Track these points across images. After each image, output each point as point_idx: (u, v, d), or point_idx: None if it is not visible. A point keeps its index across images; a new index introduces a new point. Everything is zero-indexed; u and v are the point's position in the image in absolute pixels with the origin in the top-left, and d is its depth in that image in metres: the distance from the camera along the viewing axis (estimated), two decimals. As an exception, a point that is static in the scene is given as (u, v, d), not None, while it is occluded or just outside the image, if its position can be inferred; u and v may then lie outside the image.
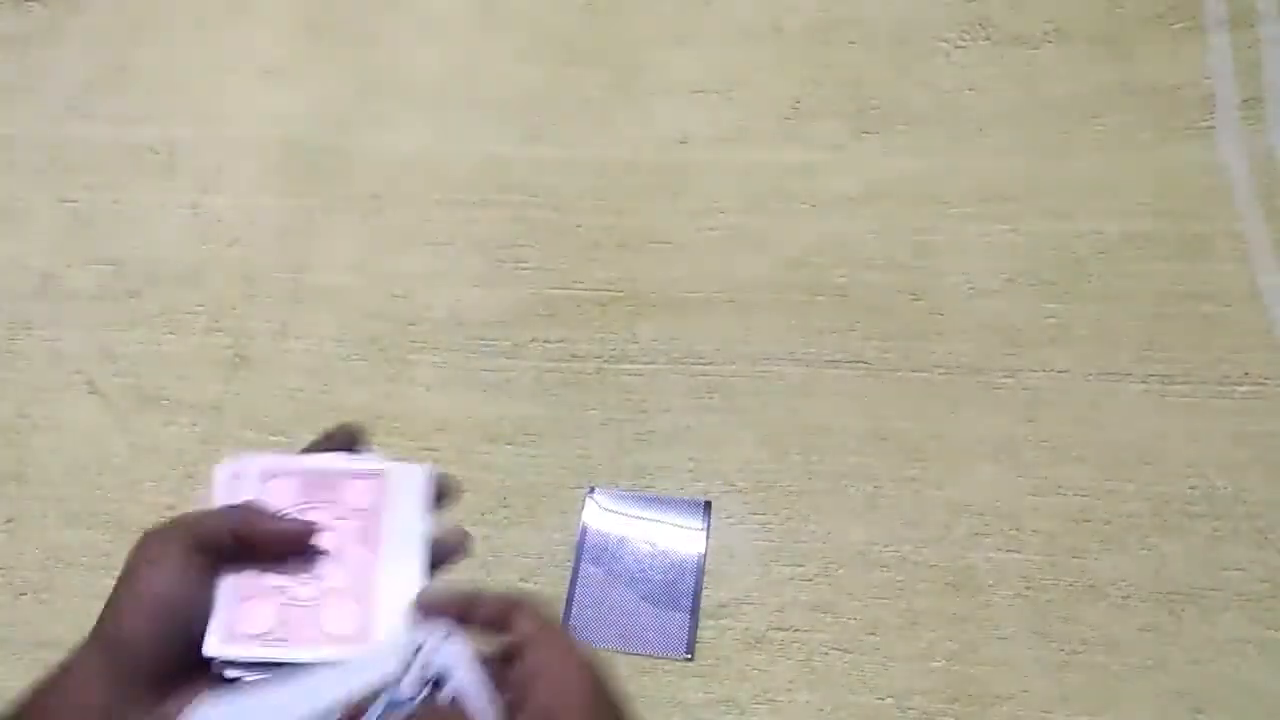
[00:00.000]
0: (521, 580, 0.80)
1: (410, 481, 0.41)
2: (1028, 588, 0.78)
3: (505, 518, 0.83)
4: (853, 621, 0.78)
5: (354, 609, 0.38)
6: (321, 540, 0.39)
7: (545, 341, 0.90)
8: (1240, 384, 0.84)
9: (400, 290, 0.93)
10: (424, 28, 1.06)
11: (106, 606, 0.36)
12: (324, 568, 0.39)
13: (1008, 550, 0.80)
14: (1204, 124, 0.94)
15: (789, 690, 0.76)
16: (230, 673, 0.36)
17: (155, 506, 0.84)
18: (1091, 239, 0.91)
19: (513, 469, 0.85)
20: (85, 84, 1.06)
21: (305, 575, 0.38)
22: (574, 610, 0.79)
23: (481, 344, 0.90)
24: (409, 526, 0.40)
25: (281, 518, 0.39)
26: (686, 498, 0.83)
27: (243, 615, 0.37)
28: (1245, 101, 0.95)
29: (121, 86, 1.05)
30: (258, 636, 0.37)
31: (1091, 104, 0.96)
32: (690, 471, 0.84)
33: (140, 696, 0.34)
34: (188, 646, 0.36)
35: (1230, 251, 0.89)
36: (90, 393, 0.91)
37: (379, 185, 0.98)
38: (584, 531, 0.82)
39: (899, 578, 0.79)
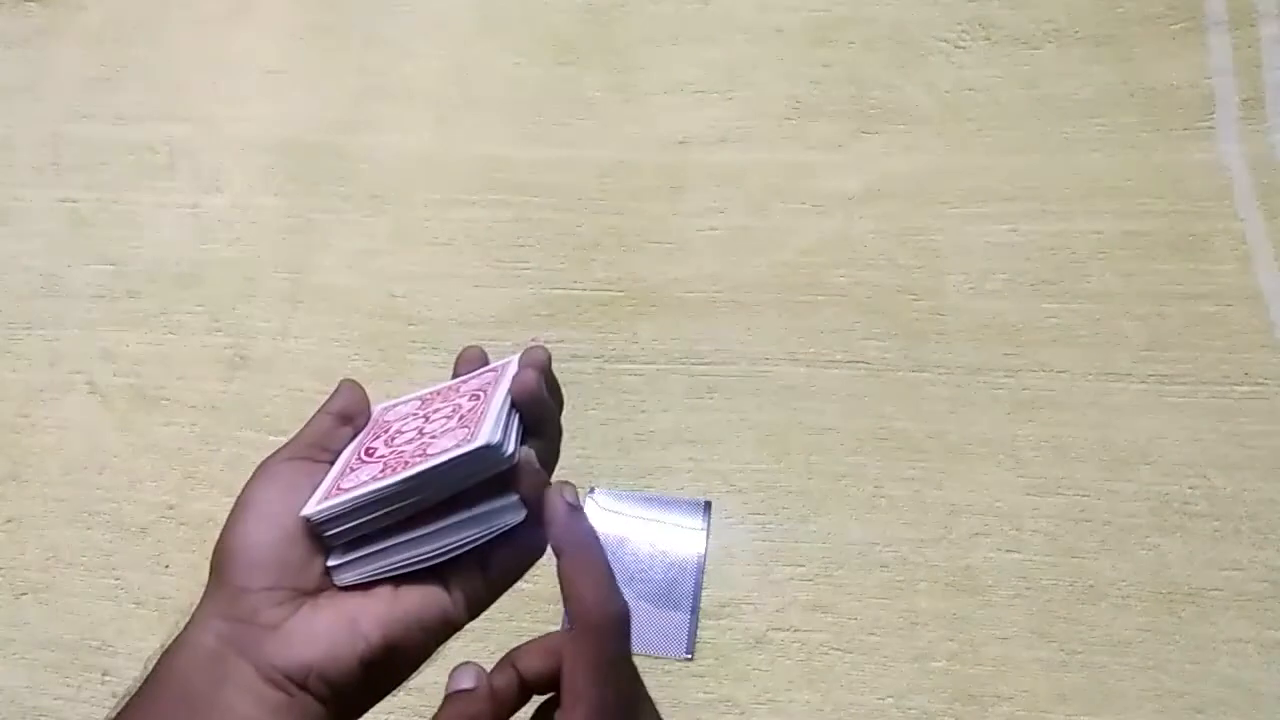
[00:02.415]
0: (521, 580, 0.80)
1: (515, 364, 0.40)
2: (1028, 588, 0.78)
3: (505, 518, 0.83)
4: (853, 621, 0.78)
5: (457, 430, 0.35)
6: (436, 415, 0.37)
7: (545, 341, 0.90)
8: (1240, 384, 0.84)
9: (400, 290, 0.93)
10: (424, 28, 1.06)
11: (219, 538, 0.34)
12: (435, 424, 0.37)
13: (1008, 550, 0.80)
14: (1204, 124, 0.94)
15: (789, 690, 0.76)
16: (329, 536, 0.34)
17: (155, 506, 0.84)
18: (1091, 239, 0.91)
19: (513, 469, 0.85)
20: (85, 84, 1.06)
21: (416, 437, 0.36)
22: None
23: (481, 344, 0.90)
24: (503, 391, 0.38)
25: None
26: (686, 498, 0.83)
27: (346, 480, 0.35)
28: (1245, 101, 0.95)
29: (121, 86, 1.05)
30: (362, 479, 0.34)
31: (1091, 104, 0.96)
32: (690, 471, 0.84)
33: (255, 614, 0.33)
34: (305, 562, 0.34)
35: (1230, 251, 0.89)
36: (90, 393, 0.91)
37: (379, 185, 0.98)
38: (584, 531, 0.81)
39: (899, 578, 0.79)
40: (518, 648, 0.35)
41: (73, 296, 0.95)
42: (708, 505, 0.83)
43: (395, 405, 0.40)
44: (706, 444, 0.85)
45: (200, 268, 0.96)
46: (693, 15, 1.05)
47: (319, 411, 0.39)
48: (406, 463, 0.34)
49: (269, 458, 0.37)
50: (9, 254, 0.98)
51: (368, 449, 0.37)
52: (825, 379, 0.87)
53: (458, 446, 0.33)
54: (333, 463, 0.37)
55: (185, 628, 0.34)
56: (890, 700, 0.75)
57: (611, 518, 0.82)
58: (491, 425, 0.34)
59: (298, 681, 0.33)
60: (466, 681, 0.33)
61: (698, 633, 0.78)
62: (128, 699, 0.33)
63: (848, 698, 0.75)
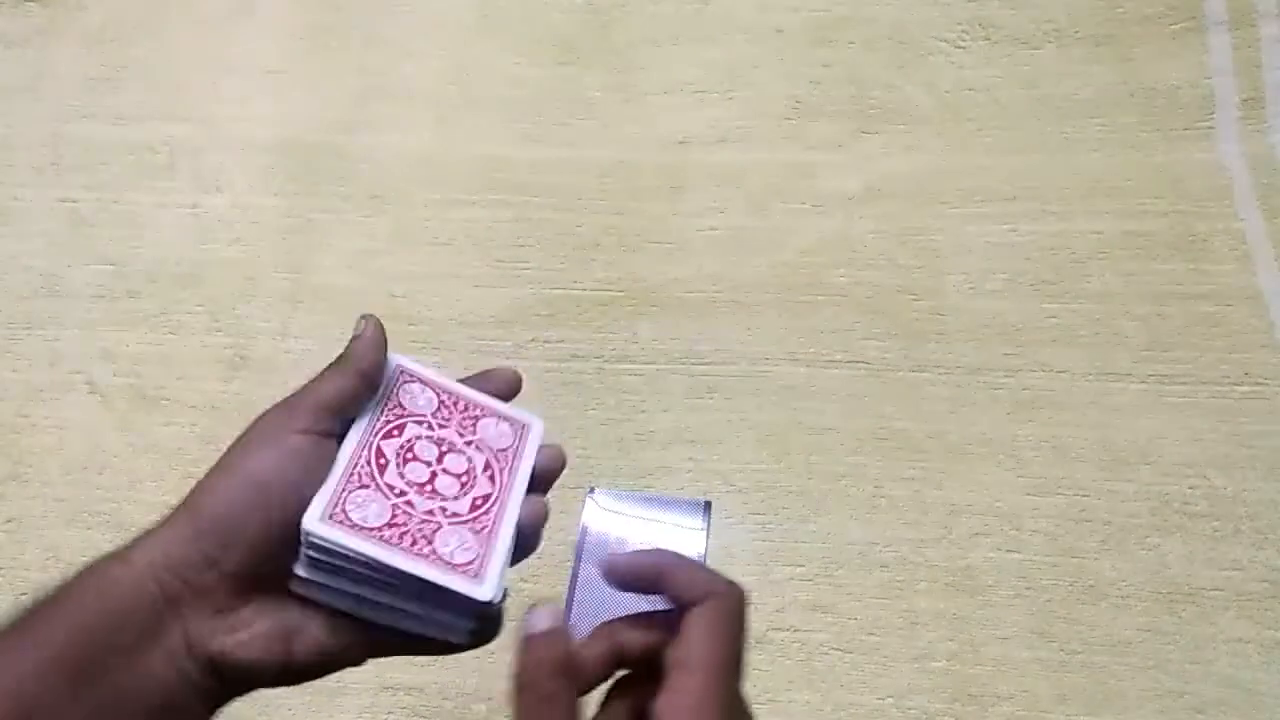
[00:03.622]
0: (522, 580, 0.80)
1: (538, 442, 0.41)
2: (1028, 588, 0.78)
3: (505, 518, 0.83)
4: (853, 621, 0.78)
5: (472, 542, 0.35)
6: (450, 459, 0.37)
7: (545, 341, 0.90)
8: (1240, 384, 0.84)
9: (400, 290, 0.93)
10: (424, 28, 1.06)
11: (196, 486, 0.34)
12: (446, 487, 0.37)
13: (1008, 550, 0.80)
14: (1204, 124, 0.94)
15: (789, 690, 0.76)
16: (313, 556, 0.33)
17: (155, 506, 0.83)
18: (1091, 239, 0.91)
19: (513, 469, 0.85)
20: (85, 84, 1.06)
21: (425, 486, 0.36)
22: (574, 610, 0.79)
23: (481, 344, 0.90)
24: (524, 482, 0.39)
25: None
26: (686, 498, 0.83)
27: (353, 500, 0.34)
28: (1245, 101, 0.95)
29: (121, 86, 1.05)
30: (365, 529, 0.34)
31: (1091, 104, 0.96)
32: (690, 471, 0.84)
33: (211, 590, 0.32)
34: (284, 540, 0.33)
35: (1230, 251, 0.89)
36: (90, 393, 0.91)
37: (379, 185, 0.98)
38: (584, 532, 0.81)
39: (899, 578, 0.79)
40: (611, 622, 0.35)
41: (73, 296, 0.95)
42: (708, 505, 0.82)
43: (412, 379, 0.40)
44: (706, 444, 0.85)
45: (200, 268, 0.96)
46: (693, 15, 1.05)
47: (341, 364, 0.37)
48: (414, 541, 0.34)
49: (278, 414, 0.35)
50: (9, 254, 0.98)
51: (379, 456, 0.36)
52: (825, 379, 0.87)
53: (460, 579, 0.34)
54: (341, 436, 0.36)
55: (128, 555, 0.33)
56: (890, 700, 0.75)
57: (611, 518, 0.82)
58: (497, 577, 0.35)
59: (218, 669, 0.32)
60: (544, 622, 0.32)
61: (698, 633, 0.78)
62: (38, 603, 0.32)
63: (848, 698, 0.75)
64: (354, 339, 0.39)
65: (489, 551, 0.35)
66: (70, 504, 0.86)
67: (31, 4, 1.11)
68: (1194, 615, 0.76)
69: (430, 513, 0.35)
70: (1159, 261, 0.89)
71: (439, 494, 0.36)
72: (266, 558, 0.33)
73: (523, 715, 0.30)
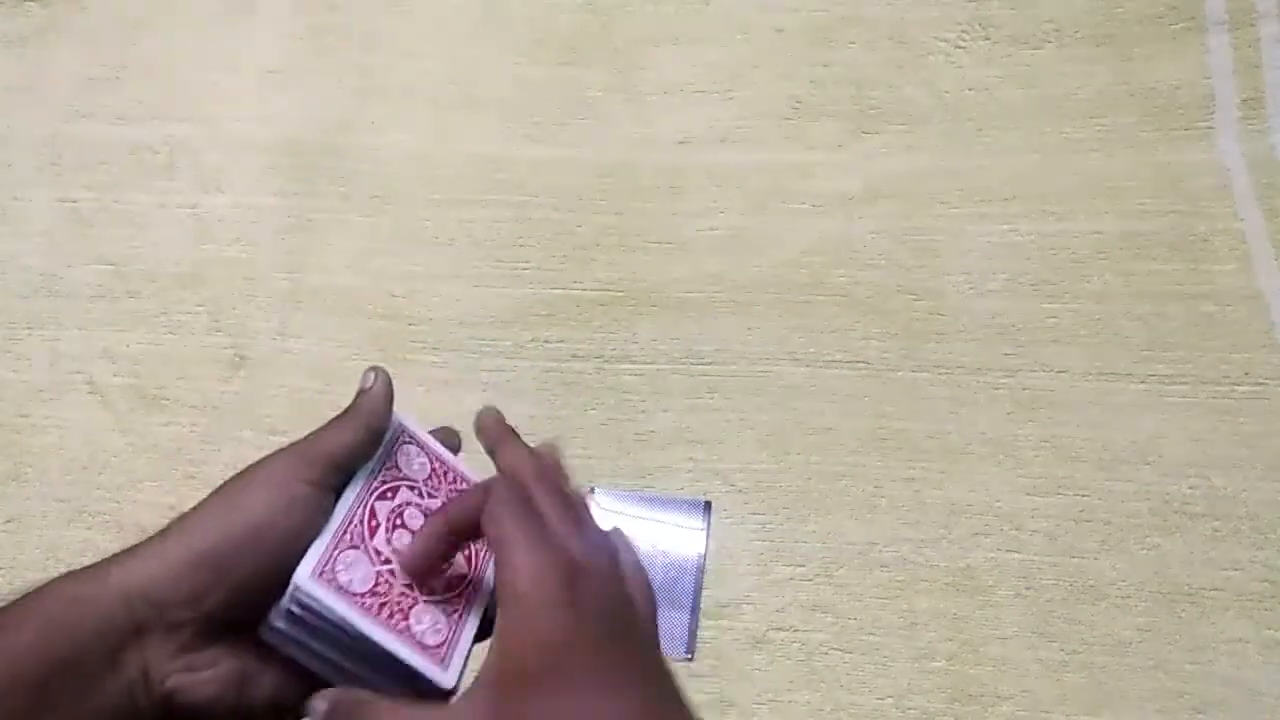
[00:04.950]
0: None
1: None
2: (1028, 588, 0.78)
3: (505, 518, 0.82)
4: (853, 621, 0.78)
5: (443, 624, 0.36)
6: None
7: (545, 341, 0.90)
8: (1240, 384, 0.84)
9: (400, 290, 0.93)
10: (424, 28, 1.06)
11: (192, 514, 0.33)
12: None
13: (1008, 550, 0.80)
14: (1204, 124, 0.94)
15: (789, 690, 0.76)
16: (294, 611, 0.33)
17: (155, 506, 0.84)
18: (1091, 239, 0.91)
19: (513, 469, 0.85)
20: (85, 84, 1.06)
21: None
22: (574, 610, 0.79)
23: (481, 344, 0.90)
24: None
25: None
26: (686, 498, 0.83)
27: (342, 560, 0.34)
28: (1245, 101, 0.95)
29: (121, 86, 1.05)
30: (350, 594, 0.34)
31: (1091, 104, 0.96)
32: (690, 471, 0.84)
33: (183, 626, 0.32)
34: (268, 589, 0.33)
35: (1230, 251, 0.89)
36: (90, 393, 0.91)
37: (379, 185, 0.98)
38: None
39: (899, 578, 0.79)
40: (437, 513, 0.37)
41: (73, 296, 0.95)
42: (708, 505, 0.83)
43: (410, 440, 0.41)
44: (706, 444, 0.85)
45: (200, 268, 0.96)
46: (693, 15, 1.05)
47: (350, 417, 0.37)
48: (391, 614, 0.34)
49: (289, 460, 0.35)
50: (9, 254, 0.98)
51: (372, 516, 0.37)
52: (825, 379, 0.87)
53: (428, 662, 0.34)
54: (340, 489, 0.37)
55: (106, 574, 0.32)
56: (890, 700, 0.75)
57: (611, 517, 0.82)
58: (460, 665, 0.35)
59: (169, 705, 0.32)
60: (322, 705, 0.32)
61: (698, 633, 0.78)
62: (5, 610, 0.31)
63: (848, 698, 0.75)
64: (362, 392, 0.39)
65: (456, 637, 0.36)
66: (70, 504, 0.86)
67: (31, 4, 1.11)
68: (1194, 615, 0.76)
69: (409, 586, 0.36)
70: (1159, 261, 0.89)
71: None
72: (247, 603, 0.33)
73: None
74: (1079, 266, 0.90)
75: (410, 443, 0.40)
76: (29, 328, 0.94)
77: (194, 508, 0.34)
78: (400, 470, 0.39)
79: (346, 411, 0.38)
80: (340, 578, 0.34)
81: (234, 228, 0.97)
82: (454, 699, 0.33)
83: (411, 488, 0.39)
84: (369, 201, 0.98)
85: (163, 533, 0.34)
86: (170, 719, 0.33)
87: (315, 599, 0.33)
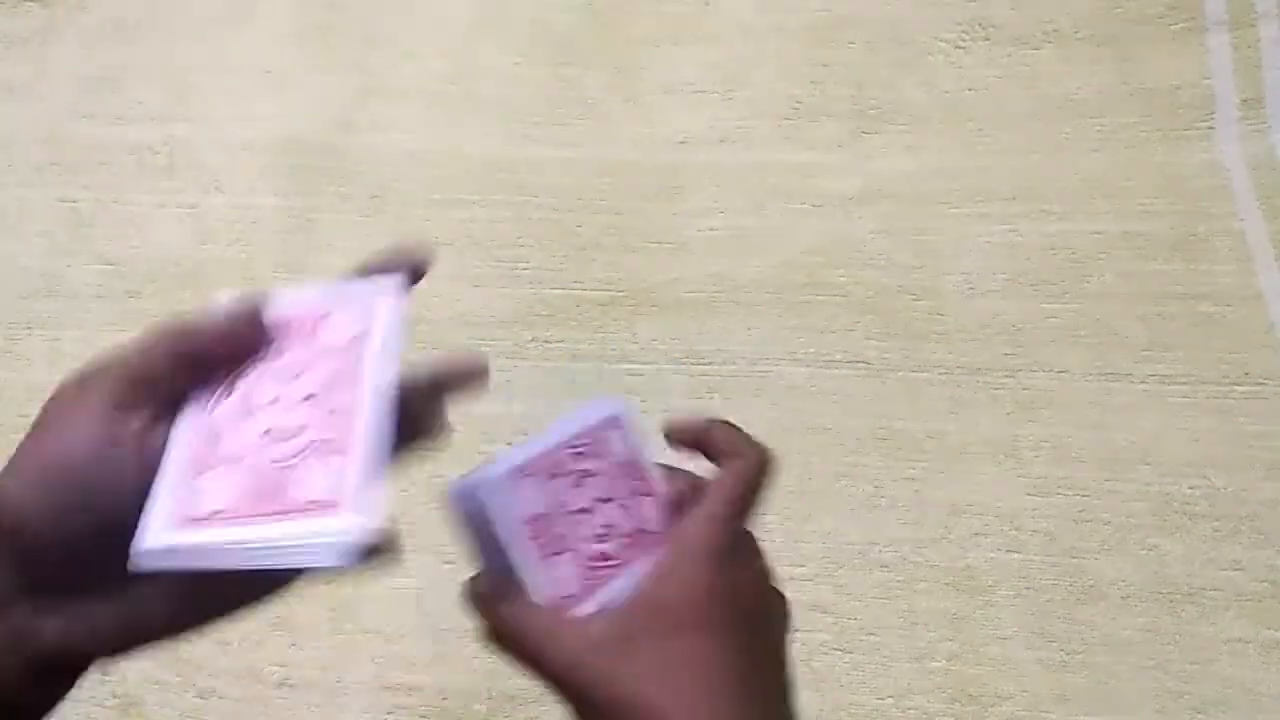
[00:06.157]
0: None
1: (393, 302, 0.34)
2: (1028, 588, 0.78)
3: (505, 518, 0.82)
4: (853, 621, 0.78)
5: (334, 463, 0.28)
6: (301, 381, 0.31)
7: (545, 341, 0.90)
8: (1240, 384, 0.84)
9: (400, 290, 0.93)
10: (424, 28, 1.06)
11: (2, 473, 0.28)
12: (302, 415, 0.30)
13: (1008, 550, 0.80)
14: (1204, 124, 0.94)
15: (789, 690, 0.76)
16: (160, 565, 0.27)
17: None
18: (1091, 239, 0.91)
19: (513, 469, 0.85)
20: (85, 84, 1.06)
21: (284, 430, 0.30)
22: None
23: (481, 344, 0.90)
24: (389, 359, 0.32)
25: (228, 310, 0.31)
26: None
27: (193, 497, 0.28)
28: (1245, 101, 0.95)
29: (121, 86, 1.05)
30: (201, 520, 0.27)
31: (1091, 104, 0.96)
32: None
33: (34, 586, 0.27)
34: (101, 533, 0.27)
35: (1230, 251, 0.89)
36: (90, 393, 0.91)
37: (379, 185, 0.98)
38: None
39: (899, 578, 0.79)
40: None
41: (73, 296, 0.95)
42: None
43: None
44: (706, 444, 0.85)
45: (200, 268, 0.96)
46: (693, 15, 1.05)
47: (159, 328, 0.31)
48: (259, 507, 0.28)
49: (70, 382, 0.29)
50: (9, 254, 0.98)
51: (227, 437, 0.29)
52: (825, 379, 0.87)
53: (316, 521, 0.27)
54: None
55: None
56: (890, 700, 0.75)
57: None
58: (365, 501, 0.28)
59: (51, 663, 0.28)
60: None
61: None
62: None
63: (848, 698, 0.75)
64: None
65: (348, 466, 0.28)
66: (70, 504, 0.86)
67: (31, 4, 1.11)
68: (1194, 615, 0.76)
69: (289, 456, 0.29)
70: (1159, 261, 0.89)
71: (299, 428, 0.29)
72: (82, 551, 0.28)
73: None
74: (1079, 266, 0.90)
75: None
76: (29, 328, 0.94)
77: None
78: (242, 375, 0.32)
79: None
80: (188, 513, 0.28)
81: (234, 228, 0.97)
82: (587, 611, 0.34)
83: (249, 372, 0.32)
84: (369, 201, 0.98)
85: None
86: (61, 674, 0.29)
87: (166, 548, 0.27)
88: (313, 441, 0.29)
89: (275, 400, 0.30)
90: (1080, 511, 0.80)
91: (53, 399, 0.29)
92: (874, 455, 0.84)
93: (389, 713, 0.76)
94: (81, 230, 0.99)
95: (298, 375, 0.31)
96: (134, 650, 0.30)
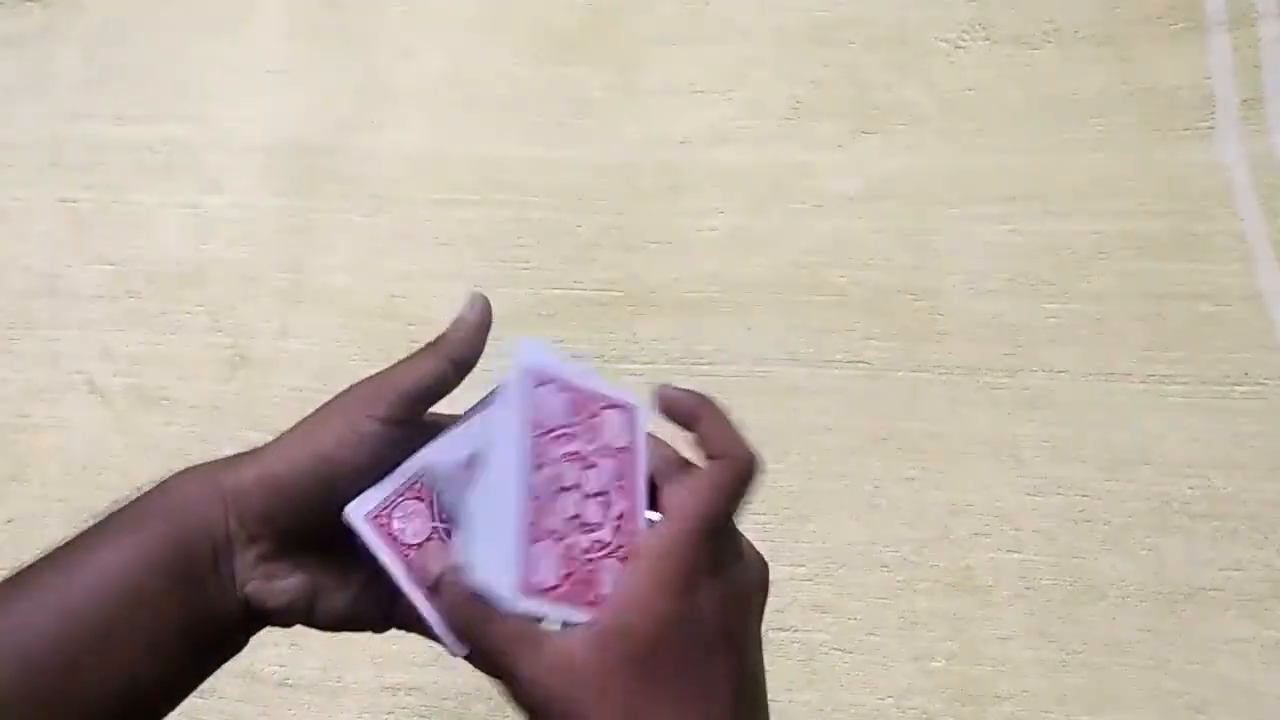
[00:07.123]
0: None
1: (645, 421, 0.36)
2: (1028, 588, 0.78)
3: (505, 518, 0.82)
4: (853, 621, 0.78)
5: (619, 570, 0.32)
6: (590, 476, 0.34)
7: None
8: (1240, 384, 0.84)
9: (400, 290, 0.93)
10: (424, 28, 1.06)
11: (275, 441, 0.35)
12: (597, 512, 0.34)
13: (1008, 550, 0.80)
14: (1204, 124, 0.94)
15: (789, 690, 0.76)
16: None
17: (155, 506, 0.84)
18: (1091, 239, 0.91)
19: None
20: (85, 84, 1.06)
21: (586, 523, 0.33)
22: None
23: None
24: (644, 474, 0.35)
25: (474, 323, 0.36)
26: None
27: (531, 563, 0.31)
28: (1245, 101, 0.95)
29: (121, 86, 1.05)
30: (547, 590, 0.31)
31: (1091, 104, 0.96)
32: (690, 471, 0.84)
33: (270, 536, 0.34)
34: (326, 510, 0.34)
35: (1230, 251, 0.89)
36: (90, 393, 0.91)
37: (379, 185, 0.98)
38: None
39: (899, 578, 0.79)
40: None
41: (73, 296, 0.95)
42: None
43: (546, 381, 0.35)
44: (706, 444, 0.85)
45: (200, 268, 0.96)
46: (693, 15, 1.05)
47: (433, 344, 0.36)
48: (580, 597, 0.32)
49: (357, 392, 0.35)
50: (9, 254, 0.98)
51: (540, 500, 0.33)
52: (825, 379, 0.87)
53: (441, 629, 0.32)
54: (422, 422, 0.35)
55: (217, 479, 0.35)
56: (890, 700, 0.75)
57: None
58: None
59: (249, 608, 0.35)
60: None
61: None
62: (133, 504, 0.36)
63: (848, 698, 0.75)
64: (457, 320, 0.37)
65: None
66: (70, 504, 0.86)
67: (31, 4, 1.11)
68: (1194, 615, 0.76)
69: (587, 550, 0.33)
70: (1159, 261, 0.89)
71: (591, 524, 0.33)
72: (316, 527, 0.35)
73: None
74: (1079, 266, 0.90)
75: (544, 383, 0.35)
76: (29, 328, 0.94)
77: (280, 434, 0.36)
78: (543, 424, 0.34)
79: (434, 341, 0.37)
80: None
81: (234, 228, 0.98)
82: (562, 627, 0.33)
83: (560, 436, 0.34)
84: (369, 201, 0.98)
85: (254, 451, 0.36)
86: (249, 622, 0.36)
87: (362, 535, 0.34)
88: (608, 544, 0.33)
89: (576, 486, 0.34)
90: (1080, 511, 0.80)
91: (343, 394, 0.35)
92: (874, 455, 0.84)
93: (389, 713, 0.76)
94: (81, 230, 0.99)
95: (589, 467, 0.34)
96: (305, 621, 0.36)
